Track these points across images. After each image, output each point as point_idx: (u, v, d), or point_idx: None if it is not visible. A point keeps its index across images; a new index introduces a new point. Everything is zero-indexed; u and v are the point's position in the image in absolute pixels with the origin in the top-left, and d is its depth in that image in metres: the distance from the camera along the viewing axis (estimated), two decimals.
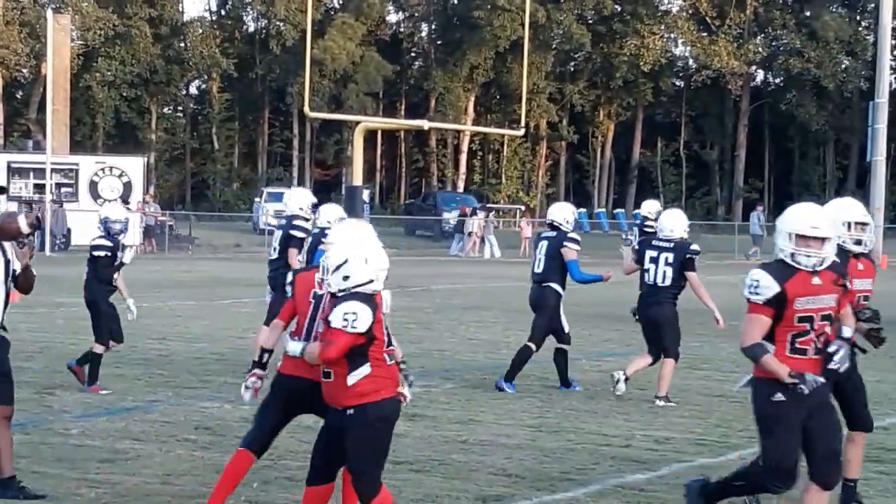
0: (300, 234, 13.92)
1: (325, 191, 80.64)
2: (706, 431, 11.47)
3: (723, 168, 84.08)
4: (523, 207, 71.53)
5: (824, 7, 79.27)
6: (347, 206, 35.76)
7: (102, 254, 13.17)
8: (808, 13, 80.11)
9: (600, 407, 12.81)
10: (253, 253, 49.04)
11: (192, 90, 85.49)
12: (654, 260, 12.96)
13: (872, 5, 70.60)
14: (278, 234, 14.36)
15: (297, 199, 14.34)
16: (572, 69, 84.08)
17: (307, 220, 14.16)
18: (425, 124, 44.52)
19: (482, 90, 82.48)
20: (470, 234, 49.94)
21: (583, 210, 73.81)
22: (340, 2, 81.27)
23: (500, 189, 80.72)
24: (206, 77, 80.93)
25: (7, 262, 8.15)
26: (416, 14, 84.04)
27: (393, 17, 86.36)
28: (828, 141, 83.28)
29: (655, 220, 21.82)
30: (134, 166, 46.73)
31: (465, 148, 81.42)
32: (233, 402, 12.56)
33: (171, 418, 11.60)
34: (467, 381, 14.70)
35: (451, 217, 55.73)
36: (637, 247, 16.22)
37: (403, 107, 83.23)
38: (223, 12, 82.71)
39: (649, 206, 21.84)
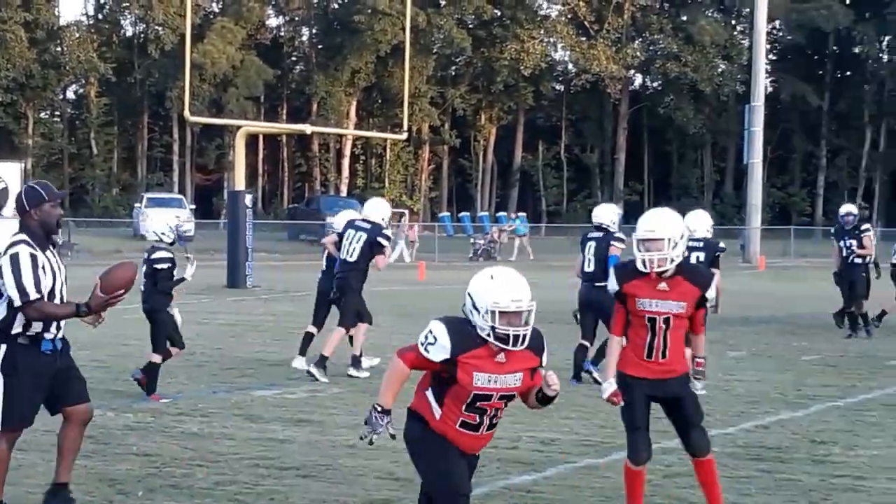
0: (387, 244, 15.07)
1: (207, 196, 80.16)
2: (591, 432, 11.57)
3: (603, 171, 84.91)
4: (407, 212, 71.60)
5: (700, 12, 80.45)
6: (230, 211, 35.54)
7: (167, 266, 13.44)
8: (684, 18, 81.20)
9: None
10: (134, 258, 48.48)
11: (70, 95, 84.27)
12: (686, 259, 13.47)
13: (747, 10, 71.83)
14: (359, 236, 14.96)
15: (381, 209, 15.33)
16: (453, 73, 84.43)
17: (387, 229, 15.15)
18: (307, 128, 44.41)
19: (364, 94, 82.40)
20: None
21: (466, 214, 74.27)
22: (220, 6, 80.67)
23: (384, 193, 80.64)
24: (83, 81, 79.73)
25: (62, 273, 8.01)
26: (297, 18, 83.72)
27: (273, 22, 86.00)
28: (705, 144, 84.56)
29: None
30: (10, 172, 45.77)
31: (347, 152, 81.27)
32: (115, 410, 12.42)
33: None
34: (354, 386, 14.69)
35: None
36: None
37: (285, 111, 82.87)
38: (100, 16, 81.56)
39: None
